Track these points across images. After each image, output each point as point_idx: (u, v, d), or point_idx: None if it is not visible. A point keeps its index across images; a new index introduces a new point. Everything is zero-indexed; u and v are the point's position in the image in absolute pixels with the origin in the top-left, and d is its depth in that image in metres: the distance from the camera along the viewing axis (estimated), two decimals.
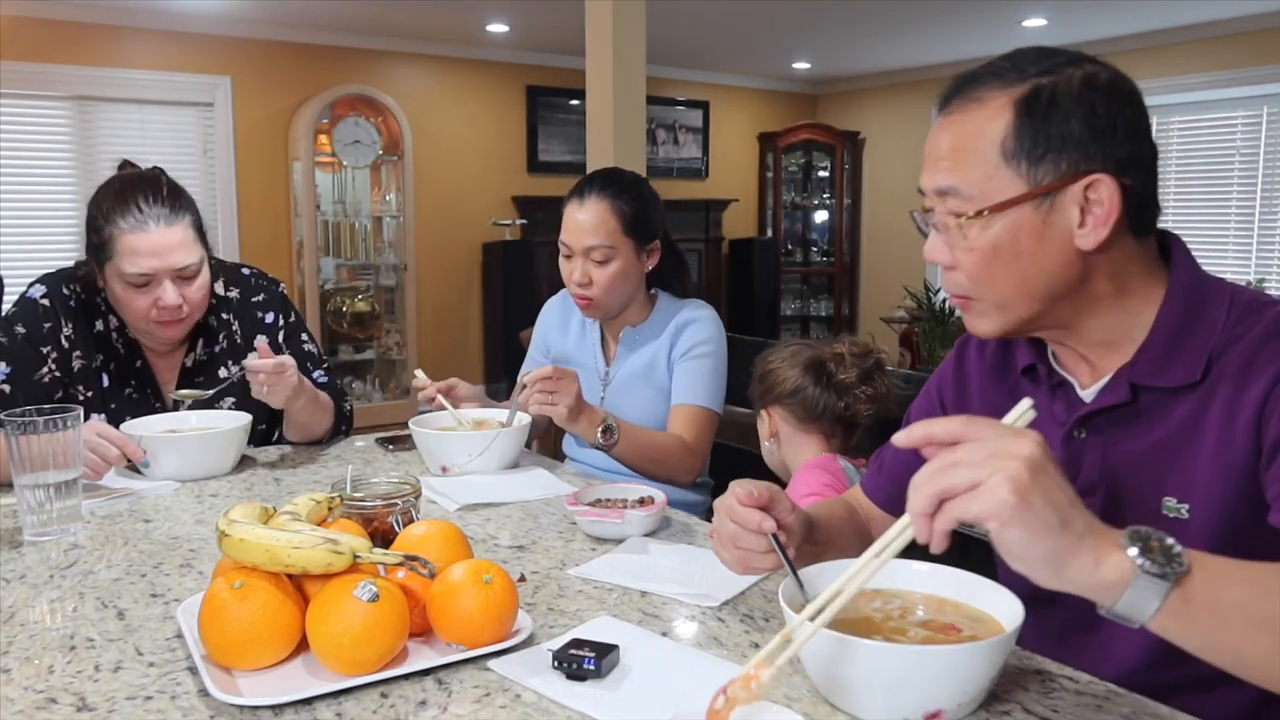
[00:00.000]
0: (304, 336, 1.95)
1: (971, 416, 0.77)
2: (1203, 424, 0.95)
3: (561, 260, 1.94)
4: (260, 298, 1.90)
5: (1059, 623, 1.05)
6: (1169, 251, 1.02)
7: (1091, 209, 0.93)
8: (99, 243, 1.66)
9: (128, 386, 1.81)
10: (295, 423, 1.83)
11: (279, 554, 0.92)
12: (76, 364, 1.75)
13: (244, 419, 1.74)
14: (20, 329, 1.71)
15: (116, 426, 1.62)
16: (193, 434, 1.68)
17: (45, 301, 1.74)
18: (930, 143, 0.99)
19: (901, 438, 0.79)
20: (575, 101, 6.83)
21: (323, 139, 5.82)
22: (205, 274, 1.74)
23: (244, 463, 1.75)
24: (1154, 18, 5.66)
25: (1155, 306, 0.99)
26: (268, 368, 1.64)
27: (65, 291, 1.76)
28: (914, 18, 5.66)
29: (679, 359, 1.91)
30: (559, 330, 2.11)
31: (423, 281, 6.28)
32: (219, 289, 1.86)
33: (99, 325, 1.78)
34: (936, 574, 0.95)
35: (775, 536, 0.99)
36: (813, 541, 1.10)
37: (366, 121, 5.91)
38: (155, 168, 1.78)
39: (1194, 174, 6.22)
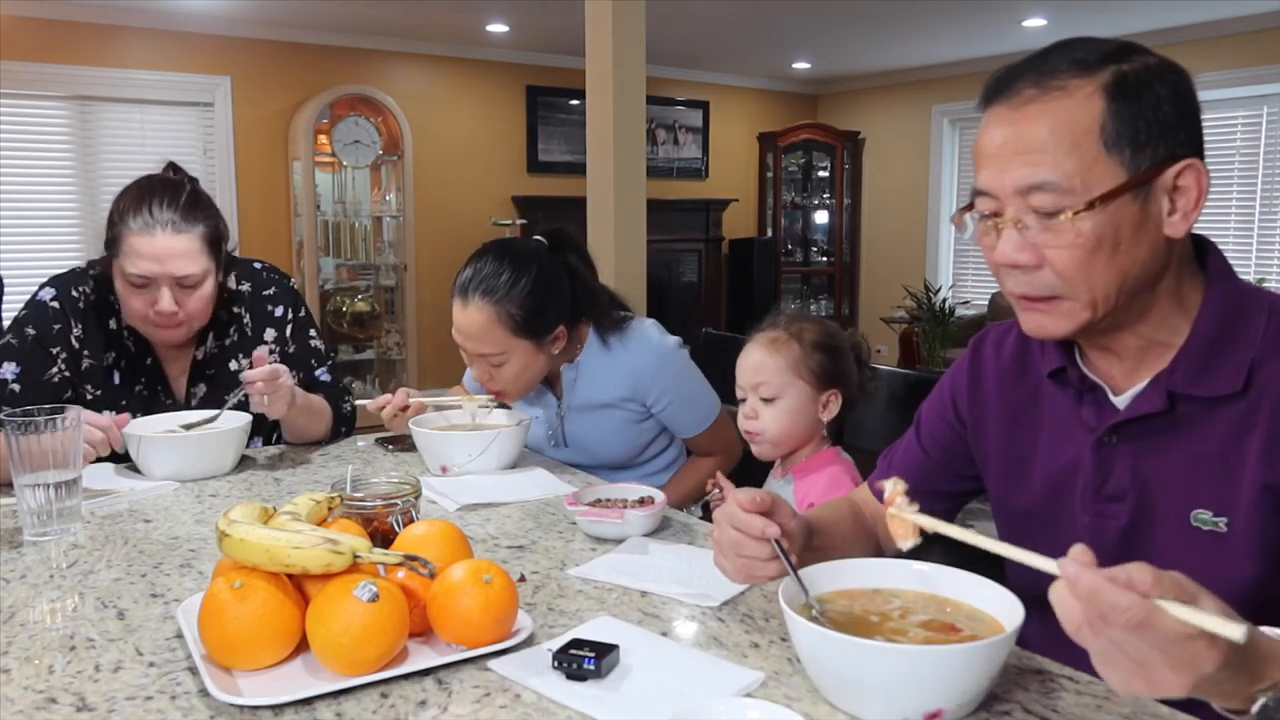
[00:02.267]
0: (311, 332, 1.97)
1: (1162, 602, 0.65)
2: (1246, 438, 0.93)
3: (461, 352, 1.77)
4: (271, 291, 1.92)
5: None
6: (1204, 256, 1.00)
7: (1179, 195, 0.91)
8: (111, 237, 1.70)
9: (138, 384, 1.82)
10: (291, 429, 1.86)
11: (279, 554, 0.92)
12: (86, 364, 1.77)
13: (244, 419, 1.74)
14: (30, 330, 1.73)
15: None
16: (193, 434, 1.68)
17: (55, 304, 1.76)
18: (997, 138, 0.93)
19: (1078, 586, 0.68)
20: (575, 101, 6.82)
21: (322, 139, 5.82)
22: (209, 286, 1.74)
23: (244, 463, 1.75)
24: (1154, 18, 5.66)
25: (1193, 311, 0.97)
26: (264, 375, 1.66)
27: (74, 293, 1.77)
28: (914, 18, 5.66)
29: (658, 409, 1.83)
30: None
31: (423, 281, 6.27)
32: (230, 283, 1.87)
33: (111, 323, 1.80)
34: (937, 574, 0.95)
35: (778, 542, 0.99)
36: (812, 547, 1.09)
37: (366, 121, 5.90)
38: (187, 178, 1.78)
39: None
